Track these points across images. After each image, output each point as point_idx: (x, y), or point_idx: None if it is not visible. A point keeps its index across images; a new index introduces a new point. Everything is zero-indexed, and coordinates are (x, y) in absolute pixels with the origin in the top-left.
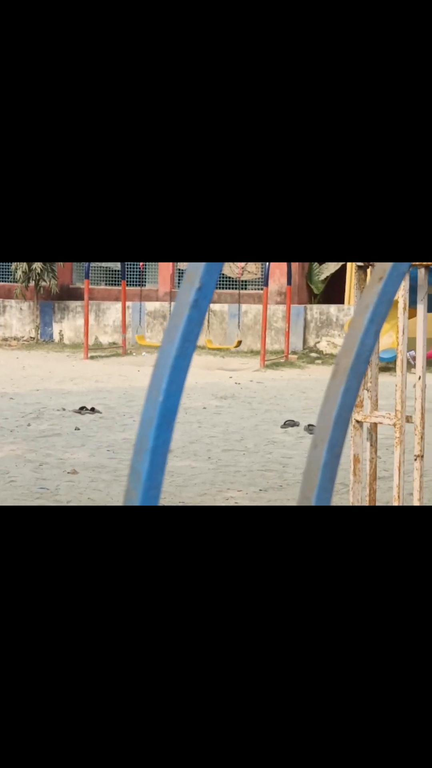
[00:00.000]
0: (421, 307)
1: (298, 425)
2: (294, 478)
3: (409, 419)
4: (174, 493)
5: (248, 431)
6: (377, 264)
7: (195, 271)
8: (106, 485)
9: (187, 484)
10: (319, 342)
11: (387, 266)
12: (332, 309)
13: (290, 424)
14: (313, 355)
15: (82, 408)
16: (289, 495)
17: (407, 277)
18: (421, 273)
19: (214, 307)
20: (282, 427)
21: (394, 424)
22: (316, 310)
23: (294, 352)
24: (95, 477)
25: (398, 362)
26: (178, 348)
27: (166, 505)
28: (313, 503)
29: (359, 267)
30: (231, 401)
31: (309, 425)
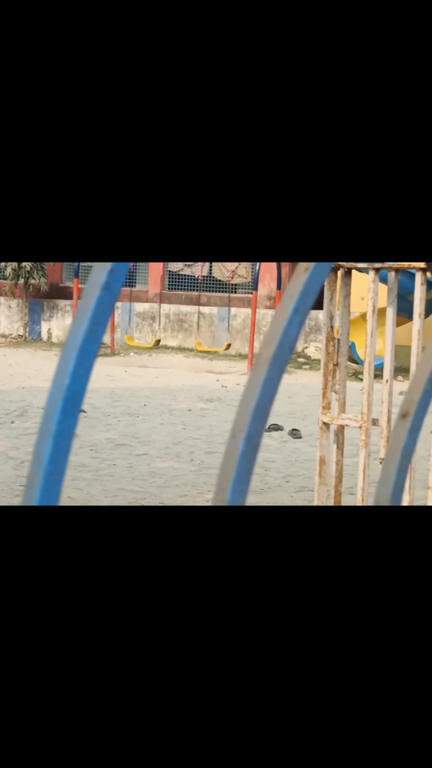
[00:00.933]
0: (390, 310)
1: (282, 429)
2: (275, 482)
3: (375, 422)
4: (155, 494)
5: None
6: None
7: None
8: (86, 484)
9: (168, 485)
10: (307, 347)
11: None
12: (321, 315)
13: (274, 428)
14: (301, 360)
15: None
16: (269, 498)
17: (376, 280)
18: (391, 276)
19: (203, 309)
20: (266, 431)
21: (360, 427)
22: None
23: None
24: (76, 476)
25: (366, 365)
26: (86, 331)
27: (146, 505)
28: (228, 494)
29: (331, 269)
30: (217, 404)
31: (293, 430)
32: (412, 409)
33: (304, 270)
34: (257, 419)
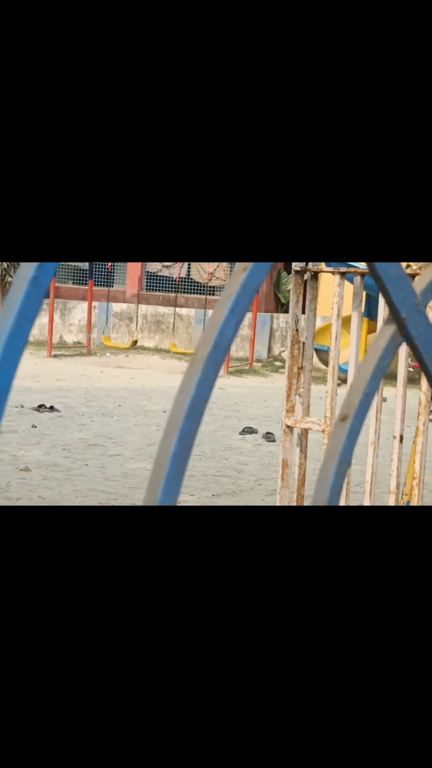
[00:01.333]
0: (355, 315)
1: (256, 432)
2: (248, 485)
3: None
4: (126, 495)
5: (206, 436)
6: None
7: None
8: (58, 484)
9: (141, 487)
10: (284, 351)
11: None
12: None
13: (249, 431)
14: (278, 363)
15: (40, 406)
16: (241, 500)
17: (342, 284)
18: (357, 280)
19: (180, 311)
20: (240, 433)
21: (323, 431)
22: (282, 319)
23: (258, 360)
24: (48, 475)
25: (329, 369)
26: (13, 325)
27: (117, 505)
28: (159, 494)
29: (296, 271)
30: None
31: (267, 433)
32: (351, 412)
33: (242, 270)
34: (191, 419)
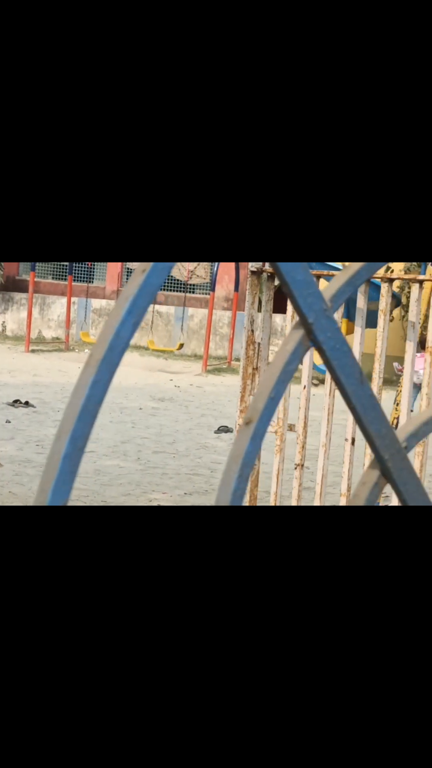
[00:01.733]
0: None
1: (231, 431)
2: None
3: (291, 428)
4: (98, 492)
5: (181, 434)
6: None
7: None
8: (29, 480)
9: (113, 484)
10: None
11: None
12: (278, 318)
13: (224, 430)
14: None
15: (15, 401)
16: (213, 500)
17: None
18: (321, 283)
19: (159, 308)
20: (215, 432)
21: (276, 432)
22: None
23: (237, 359)
24: (20, 471)
25: None
26: None
27: (87, 504)
28: (49, 496)
29: (252, 272)
30: (168, 404)
31: None
32: (255, 416)
33: (141, 272)
34: (83, 421)
